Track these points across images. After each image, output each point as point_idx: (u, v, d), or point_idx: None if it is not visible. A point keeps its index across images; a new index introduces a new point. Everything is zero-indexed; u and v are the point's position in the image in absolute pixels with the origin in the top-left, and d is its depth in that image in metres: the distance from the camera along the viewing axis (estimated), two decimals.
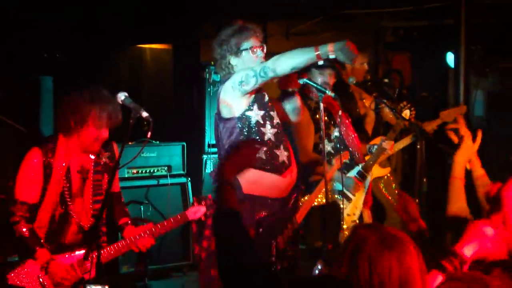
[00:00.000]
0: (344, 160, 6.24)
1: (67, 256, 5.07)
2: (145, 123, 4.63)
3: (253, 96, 5.31)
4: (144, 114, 4.66)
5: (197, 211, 5.30)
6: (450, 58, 10.27)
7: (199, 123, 8.61)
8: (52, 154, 5.02)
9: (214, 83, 8.44)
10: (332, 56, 4.88)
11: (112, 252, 5.14)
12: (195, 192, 7.95)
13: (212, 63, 8.68)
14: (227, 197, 3.38)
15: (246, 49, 5.36)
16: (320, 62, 5.65)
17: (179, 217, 5.33)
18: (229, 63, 5.43)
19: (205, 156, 8.53)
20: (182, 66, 9.36)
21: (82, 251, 5.05)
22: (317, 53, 4.95)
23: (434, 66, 11.14)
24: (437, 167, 8.08)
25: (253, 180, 5.19)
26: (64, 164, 5.04)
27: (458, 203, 4.37)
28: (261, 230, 5.24)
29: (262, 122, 5.34)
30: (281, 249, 5.35)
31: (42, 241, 5.03)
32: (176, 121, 9.02)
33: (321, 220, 6.49)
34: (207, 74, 8.46)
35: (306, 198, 5.95)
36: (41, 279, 4.95)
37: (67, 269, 4.98)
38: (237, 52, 5.38)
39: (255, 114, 5.30)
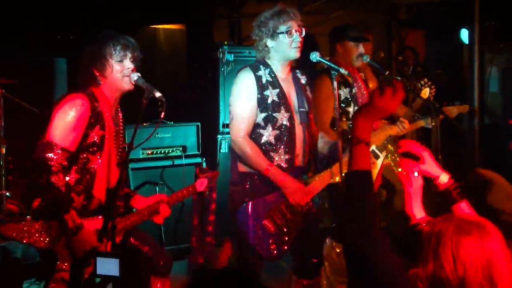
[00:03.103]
0: None
1: (98, 218, 4.88)
2: (159, 103, 4.60)
3: (254, 101, 5.41)
4: (157, 94, 4.64)
5: (202, 183, 5.36)
6: (464, 34, 10.22)
7: (213, 103, 8.60)
8: (96, 101, 4.84)
9: (228, 63, 8.42)
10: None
11: (134, 218, 5.07)
12: None
13: (225, 43, 8.69)
14: (360, 155, 3.16)
15: (283, 33, 5.40)
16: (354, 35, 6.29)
17: (190, 188, 5.35)
18: (266, 46, 5.47)
19: (219, 136, 8.52)
20: (195, 46, 9.35)
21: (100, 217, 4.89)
22: (267, 172, 5.33)
23: (448, 43, 11.08)
24: (452, 145, 8.05)
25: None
26: (105, 113, 4.91)
27: None
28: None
29: (263, 124, 5.41)
30: (273, 231, 5.37)
31: (72, 199, 4.79)
32: (190, 101, 9.01)
33: (330, 200, 6.51)
34: (221, 54, 8.45)
35: (319, 176, 5.89)
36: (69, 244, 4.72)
37: (94, 235, 4.75)
38: (274, 35, 5.42)
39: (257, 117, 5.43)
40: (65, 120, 4.73)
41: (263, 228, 5.34)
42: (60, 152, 4.68)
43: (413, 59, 10.55)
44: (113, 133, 4.99)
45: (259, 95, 5.38)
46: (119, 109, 5.12)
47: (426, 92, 6.43)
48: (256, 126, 5.41)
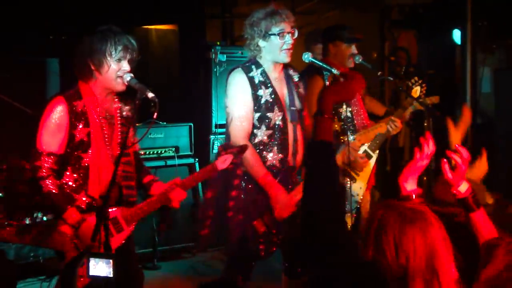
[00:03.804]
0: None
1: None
2: (152, 104, 4.58)
3: (250, 102, 5.40)
4: (150, 94, 4.62)
5: (225, 160, 5.11)
6: (456, 35, 10.24)
7: (206, 103, 8.60)
8: (77, 100, 4.82)
9: (220, 63, 8.43)
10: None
11: (145, 207, 4.97)
12: None
13: (218, 43, 8.69)
14: (324, 127, 3.28)
15: (275, 34, 5.38)
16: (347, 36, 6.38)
17: (209, 167, 5.15)
18: (257, 45, 5.45)
19: (212, 137, 8.52)
20: (188, 46, 9.35)
21: (114, 209, 4.87)
22: (262, 181, 5.34)
23: (441, 43, 11.11)
24: (444, 144, 8.06)
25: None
26: (95, 108, 4.88)
27: None
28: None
29: (257, 124, 5.40)
30: (262, 232, 5.38)
31: (72, 197, 4.80)
32: (183, 102, 9.01)
33: None
34: (213, 54, 8.45)
35: None
36: (74, 241, 4.75)
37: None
38: (266, 36, 5.39)
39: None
40: (46, 126, 4.79)
41: (253, 229, 5.34)
42: (46, 158, 4.75)
43: (405, 60, 10.55)
44: (103, 128, 4.93)
45: (253, 96, 5.38)
46: (118, 104, 5.04)
47: (417, 91, 6.45)
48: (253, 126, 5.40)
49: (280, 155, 5.43)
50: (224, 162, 5.08)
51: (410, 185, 3.56)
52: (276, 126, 5.41)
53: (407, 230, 2.80)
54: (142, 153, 7.76)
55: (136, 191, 5.10)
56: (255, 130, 5.38)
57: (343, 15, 10.11)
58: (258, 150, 5.38)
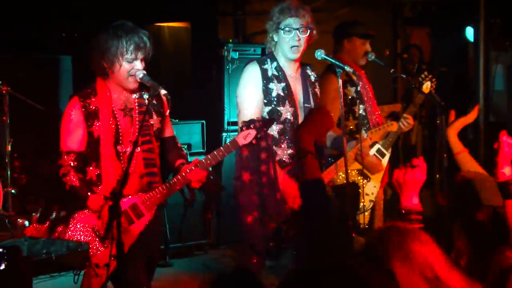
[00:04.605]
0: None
1: (124, 200, 4.82)
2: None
3: (260, 93, 5.41)
4: (163, 92, 4.64)
5: (247, 135, 4.89)
6: (469, 32, 10.21)
7: (218, 101, 8.62)
8: (92, 97, 4.88)
9: (233, 60, 8.44)
10: None
11: (165, 190, 4.92)
12: (215, 169, 7.94)
13: (230, 40, 8.69)
14: (309, 165, 3.33)
15: (281, 29, 5.41)
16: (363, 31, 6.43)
17: (229, 144, 4.97)
18: (272, 39, 5.51)
19: (224, 134, 8.53)
20: (200, 44, 9.35)
21: (130, 196, 4.88)
22: None
23: (454, 41, 11.08)
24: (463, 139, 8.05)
25: None
26: (108, 105, 4.91)
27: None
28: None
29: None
30: (273, 228, 5.37)
31: (95, 188, 4.89)
32: (195, 99, 9.02)
33: (340, 200, 6.49)
34: (226, 52, 8.46)
35: (324, 172, 5.90)
36: (96, 230, 4.81)
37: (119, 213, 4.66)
38: (276, 30, 5.45)
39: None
40: (64, 126, 4.93)
41: (265, 225, 5.34)
42: (66, 156, 4.89)
43: (418, 57, 10.55)
44: (117, 123, 4.94)
45: (263, 87, 5.38)
46: (138, 95, 5.05)
47: (427, 87, 6.42)
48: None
49: (289, 150, 5.41)
50: (246, 138, 4.89)
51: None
52: (287, 121, 5.41)
53: (398, 255, 2.79)
54: None
55: (160, 177, 5.07)
56: None
57: (354, 12, 10.08)
58: None
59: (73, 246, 4.47)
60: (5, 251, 3.93)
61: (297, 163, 3.35)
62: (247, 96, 5.42)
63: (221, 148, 4.95)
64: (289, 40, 5.40)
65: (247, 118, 5.17)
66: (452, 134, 4.92)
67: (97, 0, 8.55)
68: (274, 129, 5.38)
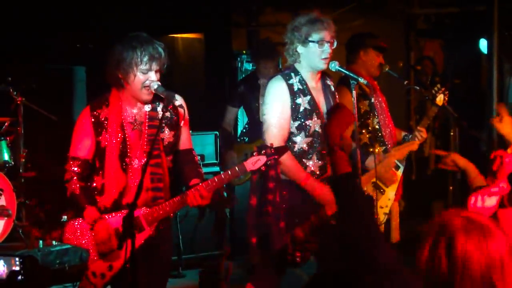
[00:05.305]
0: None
1: (119, 215, 4.83)
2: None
3: (288, 110, 5.36)
4: (177, 103, 4.66)
5: (257, 161, 4.80)
6: (483, 44, 10.20)
7: None
8: (104, 108, 4.91)
9: (246, 72, 8.45)
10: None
11: (167, 208, 4.88)
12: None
13: (244, 52, 8.71)
14: (340, 161, 3.36)
15: (314, 41, 5.35)
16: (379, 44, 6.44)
17: (237, 168, 4.88)
18: (296, 51, 5.41)
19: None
20: (214, 55, 9.39)
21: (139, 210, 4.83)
22: (304, 183, 5.29)
23: (467, 53, 11.07)
24: (470, 153, 8.04)
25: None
26: (117, 117, 4.92)
27: None
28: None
29: (296, 132, 5.35)
30: (300, 238, 5.35)
31: (94, 199, 4.90)
32: (209, 110, 9.04)
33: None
34: (239, 63, 8.49)
35: None
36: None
37: (110, 232, 4.80)
38: (305, 42, 5.36)
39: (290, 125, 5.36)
40: (74, 133, 4.99)
41: (293, 235, 5.32)
42: (71, 162, 4.94)
43: (431, 69, 10.54)
44: (126, 135, 4.95)
45: (292, 104, 5.35)
46: (152, 111, 5.00)
47: (440, 99, 6.41)
48: (289, 134, 5.37)
49: (320, 162, 5.39)
50: (255, 164, 4.81)
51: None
52: (316, 134, 5.39)
53: (463, 239, 2.75)
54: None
55: (167, 192, 5.04)
56: (294, 138, 5.33)
57: (368, 24, 10.08)
58: (298, 157, 5.35)
59: (85, 257, 4.50)
60: (21, 260, 3.95)
61: (329, 160, 3.44)
62: (275, 114, 5.34)
63: (228, 171, 4.89)
64: (321, 53, 5.35)
65: (275, 137, 5.22)
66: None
67: (111, 11, 8.58)
68: (303, 142, 5.34)
